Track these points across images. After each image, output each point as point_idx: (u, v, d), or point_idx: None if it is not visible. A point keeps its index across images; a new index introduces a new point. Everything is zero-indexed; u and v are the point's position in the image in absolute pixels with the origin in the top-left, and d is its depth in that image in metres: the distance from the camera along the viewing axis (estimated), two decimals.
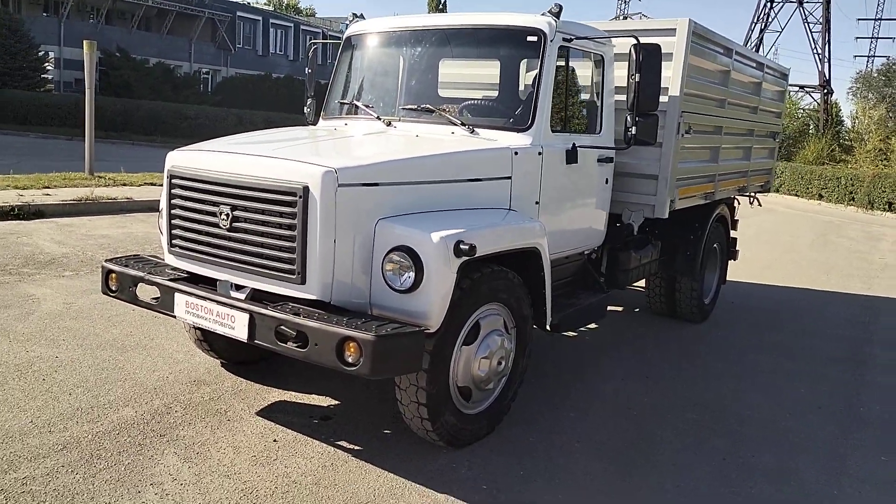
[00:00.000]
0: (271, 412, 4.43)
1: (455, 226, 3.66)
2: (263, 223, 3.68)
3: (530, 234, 4.23)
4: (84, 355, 5.08)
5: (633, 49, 4.49)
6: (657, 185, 5.62)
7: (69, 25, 37.63)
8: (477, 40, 4.89)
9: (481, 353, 3.99)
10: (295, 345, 3.49)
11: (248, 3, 53.17)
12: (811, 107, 43.26)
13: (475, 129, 4.51)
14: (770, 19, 45.75)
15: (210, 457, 3.80)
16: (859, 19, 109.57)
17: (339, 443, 4.09)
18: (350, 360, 3.33)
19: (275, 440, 4.06)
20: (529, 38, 4.55)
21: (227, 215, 3.76)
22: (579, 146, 4.75)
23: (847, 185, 25.78)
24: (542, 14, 4.59)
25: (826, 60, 41.81)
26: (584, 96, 5.19)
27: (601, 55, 5.01)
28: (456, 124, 4.55)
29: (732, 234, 8.37)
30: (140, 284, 4.15)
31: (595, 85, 5.09)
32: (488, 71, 5.44)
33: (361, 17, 5.40)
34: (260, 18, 49.58)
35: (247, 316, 3.61)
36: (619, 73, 5.49)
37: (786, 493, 3.98)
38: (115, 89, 33.89)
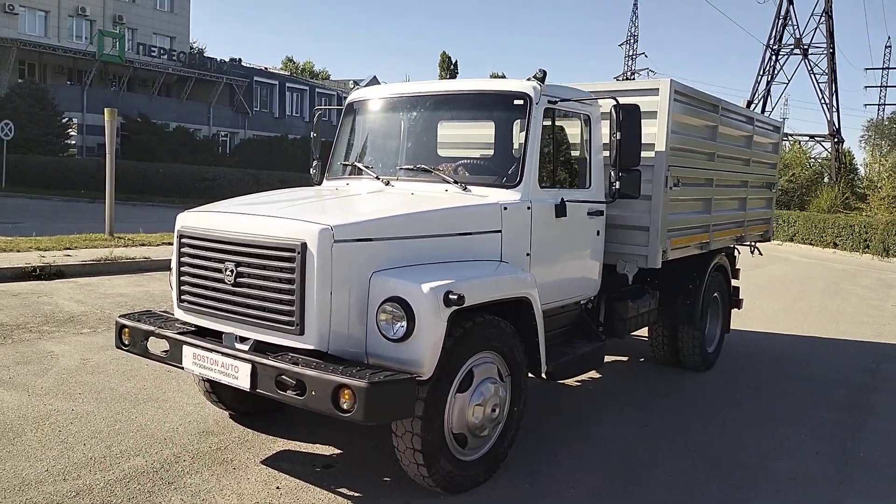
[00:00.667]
0: (275, 461, 4.59)
1: (445, 277, 3.89)
2: (265, 278, 3.93)
3: (520, 284, 4.44)
4: (99, 408, 5.29)
5: (613, 109, 4.77)
6: (649, 236, 5.83)
7: (92, 93, 39.13)
8: (469, 105, 5.22)
9: (475, 400, 4.15)
10: (294, 393, 3.69)
11: (265, 69, 54.99)
12: (822, 156, 43.54)
13: (468, 186, 4.78)
14: (776, 71, 46.50)
15: (214, 503, 3.96)
16: (867, 69, 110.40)
17: (339, 489, 4.23)
18: (345, 406, 3.52)
19: (277, 487, 4.21)
20: (516, 102, 4.86)
21: (232, 271, 4.02)
22: (568, 200, 5.00)
23: (861, 233, 25.79)
24: (528, 79, 4.89)
25: (835, 110, 42.30)
26: (575, 153, 5.47)
27: (588, 115, 5.30)
28: (449, 182, 4.82)
29: (734, 283, 8.53)
30: (151, 338, 4.39)
31: (584, 142, 5.36)
32: (484, 132, 5.75)
33: (357, 84, 5.75)
34: (276, 83, 51.22)
35: (249, 366, 3.83)
36: (606, 131, 5.82)
37: None
38: (136, 153, 35.01)
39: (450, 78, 61.28)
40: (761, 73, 46.29)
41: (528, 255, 4.78)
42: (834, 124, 42.09)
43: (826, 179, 39.68)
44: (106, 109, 14.49)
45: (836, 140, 41.80)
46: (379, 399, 3.50)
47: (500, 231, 4.56)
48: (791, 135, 43.00)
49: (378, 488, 4.28)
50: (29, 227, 14.67)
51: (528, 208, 4.74)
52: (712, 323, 7.84)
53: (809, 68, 43.66)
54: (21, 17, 41.23)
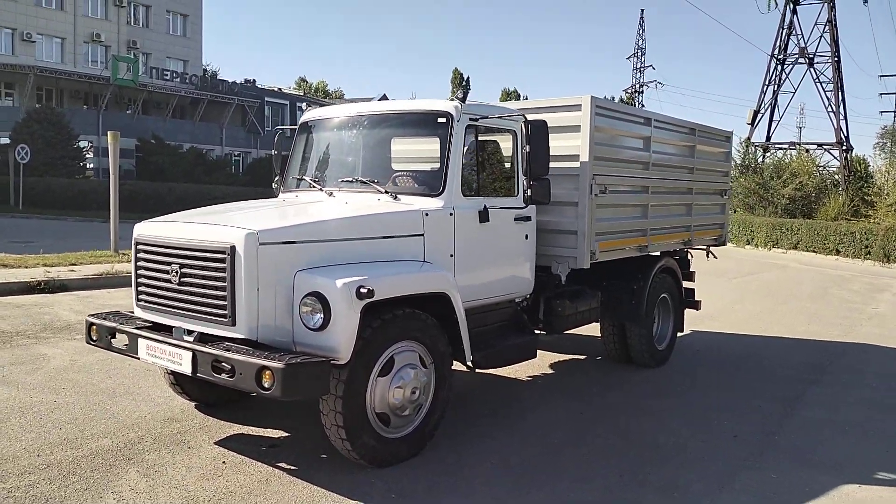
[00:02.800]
0: (227, 442, 5.16)
1: (360, 274, 4.45)
2: (203, 277, 4.53)
3: (436, 281, 5.00)
4: (79, 400, 5.90)
5: (522, 125, 5.33)
6: (577, 239, 6.36)
7: (107, 116, 40.32)
8: (400, 123, 5.82)
9: (395, 383, 4.70)
10: (227, 375, 4.27)
11: (278, 89, 56.16)
12: (830, 164, 43.60)
13: (398, 195, 5.35)
14: (782, 80, 46.73)
15: (165, 474, 4.54)
16: (882, 76, 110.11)
17: (279, 464, 4.79)
18: (266, 385, 4.09)
19: (224, 462, 4.78)
20: (440, 120, 5.43)
21: (177, 272, 4.62)
22: (492, 207, 5.55)
23: (862, 240, 25.94)
24: (451, 99, 5.47)
25: (842, 117, 42.39)
26: (509, 165, 6.02)
27: (514, 130, 5.85)
28: (382, 192, 5.40)
29: (688, 285, 9.00)
30: (117, 334, 5.00)
31: (512, 156, 5.92)
32: (431, 146, 6.32)
33: (310, 105, 6.37)
34: (287, 103, 52.28)
35: (190, 354, 4.42)
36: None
37: (664, 502, 4.53)
38: (150, 174, 36.03)
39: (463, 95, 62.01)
40: (767, 82, 46.58)
41: (451, 256, 5.33)
42: (842, 132, 42.19)
43: (834, 187, 39.77)
44: (109, 133, 15.29)
45: (844, 148, 41.89)
46: (294, 378, 4.07)
47: (422, 234, 5.12)
48: (797, 144, 43.20)
49: (313, 462, 4.82)
50: (41, 246, 15.45)
51: (451, 214, 5.30)
52: (664, 322, 8.32)
53: (815, 77, 43.82)
54: (38, 44, 42.71)
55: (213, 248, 4.45)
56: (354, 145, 6.01)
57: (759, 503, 4.57)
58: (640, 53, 63.68)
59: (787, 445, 5.67)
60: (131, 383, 6.44)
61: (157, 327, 4.90)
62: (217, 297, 4.45)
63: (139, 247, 4.97)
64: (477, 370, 5.66)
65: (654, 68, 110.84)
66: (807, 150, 42.59)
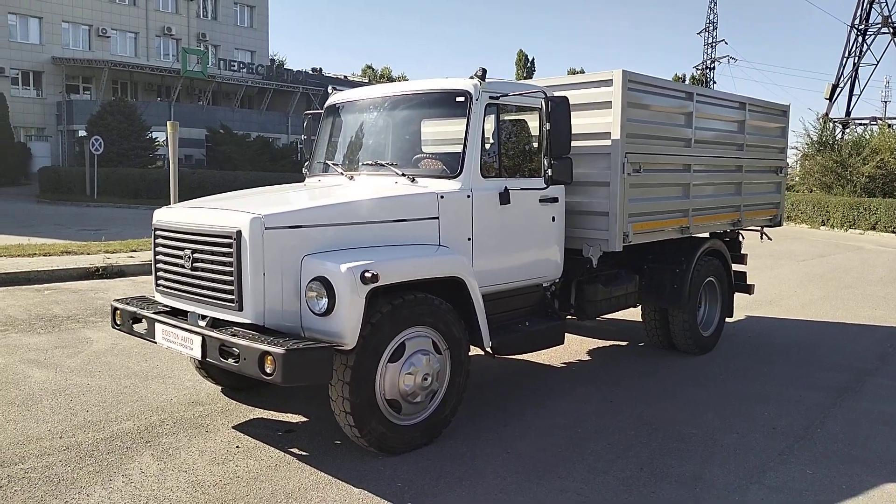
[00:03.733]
0: (246, 427, 5.19)
1: (368, 259, 4.36)
2: (212, 262, 4.53)
3: (449, 265, 4.86)
4: (111, 383, 6.05)
5: (542, 102, 5.09)
6: (608, 220, 6.09)
7: (179, 107, 41.61)
8: (418, 104, 5.65)
9: (406, 369, 4.61)
10: (232, 360, 4.26)
11: (344, 77, 56.76)
12: None
13: (416, 178, 5.23)
14: (863, 51, 44.22)
15: (178, 457, 4.59)
16: None
17: (290, 449, 4.78)
18: (268, 370, 4.06)
19: (238, 446, 4.80)
20: (458, 99, 5.26)
21: (189, 258, 4.64)
22: (513, 189, 5.35)
23: None
24: (471, 77, 5.29)
25: None
26: (536, 145, 5.79)
27: (539, 107, 5.62)
28: (399, 175, 5.28)
29: (741, 267, 8.57)
30: (138, 318, 5.08)
31: (539, 134, 5.69)
32: (457, 127, 6.16)
33: (336, 89, 6.30)
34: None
35: (200, 339, 4.44)
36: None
37: (687, 498, 4.29)
38: (218, 162, 37.06)
39: (526, 76, 61.43)
40: (846, 54, 44.18)
41: (469, 239, 5.17)
42: None
43: None
44: (168, 123, 15.64)
45: None
46: (295, 364, 4.02)
47: (437, 218, 4.99)
48: (880, 119, 40.80)
49: (326, 448, 4.79)
50: (110, 234, 16.09)
51: (468, 196, 5.14)
52: (710, 307, 7.95)
53: None
54: (112, 39, 44.44)
55: (221, 234, 4.44)
56: (375, 128, 5.91)
57: (789, 501, 4.27)
58: (711, 28, 61.31)
59: (828, 439, 5.30)
60: (165, 367, 6.57)
61: (175, 312, 4.95)
62: (225, 282, 4.44)
63: (157, 232, 5.02)
64: (497, 356, 5.49)
65: (726, 43, 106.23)
66: (889, 126, 40.20)
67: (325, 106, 6.30)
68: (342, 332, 4.24)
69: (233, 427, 5.16)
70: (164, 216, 5.00)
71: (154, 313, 4.92)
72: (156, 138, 37.28)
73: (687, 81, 55.97)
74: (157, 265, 5.03)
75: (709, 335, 7.81)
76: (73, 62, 41.25)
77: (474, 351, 5.21)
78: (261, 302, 4.34)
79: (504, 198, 5.32)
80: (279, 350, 4.00)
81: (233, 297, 4.39)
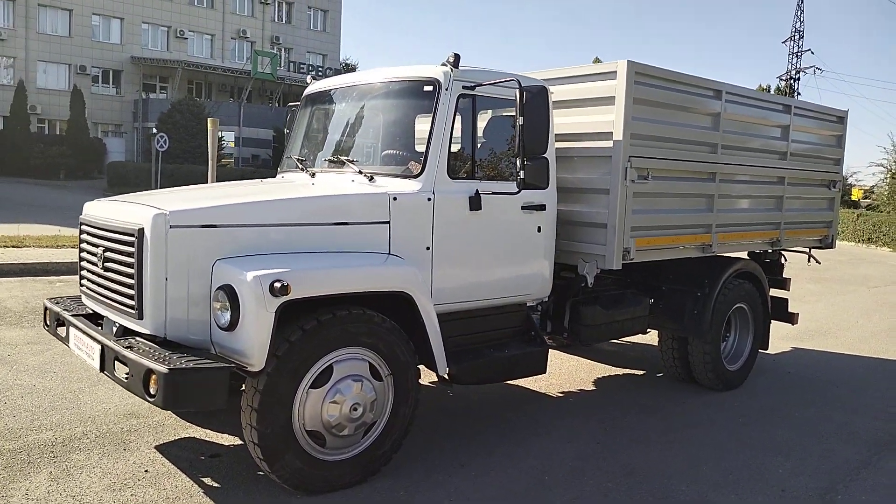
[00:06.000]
0: (170, 447, 4.66)
1: (286, 266, 3.75)
2: (117, 262, 4.02)
3: (391, 278, 4.20)
4: (58, 386, 5.66)
5: (517, 92, 4.37)
6: (606, 234, 5.30)
7: (248, 108, 42.30)
8: (385, 94, 5.01)
9: (331, 397, 3.97)
10: (125, 376, 3.73)
11: None
12: None
13: (374, 176, 4.60)
14: None
15: (75, 479, 4.09)
16: None
17: (203, 479, 4.21)
18: (152, 391, 3.50)
19: (146, 471, 4.27)
20: (426, 88, 4.61)
21: (101, 257, 4.15)
22: (486, 193, 4.66)
23: None
24: (442, 64, 4.63)
25: None
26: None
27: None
28: (356, 173, 4.66)
29: (781, 293, 7.57)
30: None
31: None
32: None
33: (316, 77, 5.74)
34: None
35: (99, 348, 3.93)
36: (563, 121, 5.39)
37: None
38: None
39: None
40: None
41: (428, 249, 4.50)
42: None
43: None
44: (209, 120, 15.54)
45: None
46: (180, 386, 3.46)
47: (387, 222, 4.34)
48: None
49: (244, 480, 4.21)
50: None
51: (429, 200, 4.47)
52: (740, 338, 7.01)
53: None
54: (189, 40, 45.62)
55: (124, 231, 3.94)
56: (341, 120, 5.31)
57: None
58: (797, 36, 58.21)
59: None
60: None
61: (98, 316, 4.47)
62: (126, 286, 3.93)
63: (81, 227, 4.57)
64: (457, 384, 4.79)
65: (812, 53, 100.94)
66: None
67: (303, 96, 5.75)
68: (247, 350, 3.65)
69: (155, 447, 4.65)
70: (90, 209, 4.54)
71: (73, 316, 4.46)
72: (222, 137, 37.94)
73: (772, 92, 53.33)
74: (81, 263, 4.58)
75: (736, 369, 6.86)
76: (151, 62, 42.54)
77: None
78: (162, 310, 3.79)
79: (475, 203, 4.63)
80: (162, 368, 3.44)
81: (133, 302, 3.86)
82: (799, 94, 57.33)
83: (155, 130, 35.11)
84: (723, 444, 5.33)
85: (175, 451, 4.58)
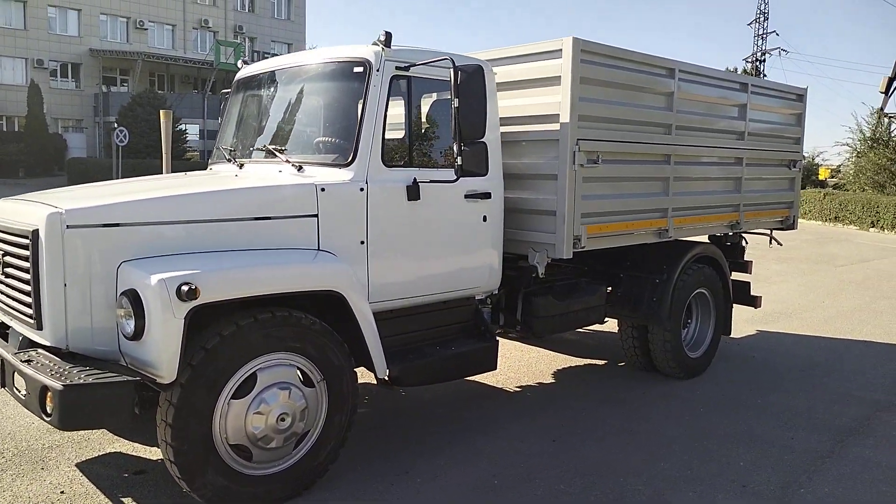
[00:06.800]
0: (92, 464, 4.34)
1: (195, 267, 3.43)
2: (14, 267, 3.68)
3: (319, 276, 3.90)
4: None
5: (451, 73, 4.07)
6: (555, 221, 5.04)
7: (212, 100, 41.38)
8: (317, 77, 4.68)
9: (255, 408, 3.67)
10: (22, 393, 3.40)
11: None
12: None
13: (303, 166, 4.28)
14: None
15: None
16: None
17: (123, 499, 3.90)
18: (49, 409, 3.19)
19: (62, 492, 3.95)
20: (356, 70, 4.29)
21: (0, 262, 3.79)
22: (425, 181, 4.36)
23: None
24: (373, 43, 4.31)
25: None
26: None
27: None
28: (284, 162, 4.34)
29: (744, 277, 7.40)
30: None
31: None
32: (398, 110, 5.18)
33: (246, 62, 5.39)
34: None
35: None
36: (508, 103, 5.12)
37: None
38: None
39: None
40: None
41: (362, 243, 4.21)
42: None
43: None
44: (161, 112, 14.99)
45: None
46: (77, 404, 3.15)
47: (315, 216, 4.03)
48: None
49: (165, 500, 3.90)
50: None
51: (362, 190, 4.17)
52: (701, 324, 6.83)
53: None
54: (150, 31, 44.50)
55: (18, 232, 3.61)
56: (271, 107, 4.98)
57: None
58: (762, 18, 58.43)
59: (811, 501, 4.18)
60: None
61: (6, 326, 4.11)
62: (24, 293, 3.59)
63: None
64: (399, 386, 4.51)
65: (777, 34, 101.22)
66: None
67: (234, 81, 5.40)
68: (155, 360, 3.33)
69: (76, 464, 4.32)
70: None
71: None
72: (185, 130, 37.19)
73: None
74: None
75: (698, 356, 6.67)
76: (110, 54, 41.43)
77: None
78: (61, 319, 3.45)
79: (413, 192, 4.34)
80: (57, 385, 3.12)
81: (31, 311, 3.52)
82: (765, 75, 57.65)
83: (116, 125, 34.28)
84: (682, 436, 5.12)
85: (97, 469, 4.26)
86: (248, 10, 49.96)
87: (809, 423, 5.48)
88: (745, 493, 4.27)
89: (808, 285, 12.37)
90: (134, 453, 4.52)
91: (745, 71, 59.30)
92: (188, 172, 5.15)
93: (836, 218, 27.10)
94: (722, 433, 5.21)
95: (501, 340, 7.16)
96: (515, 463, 4.57)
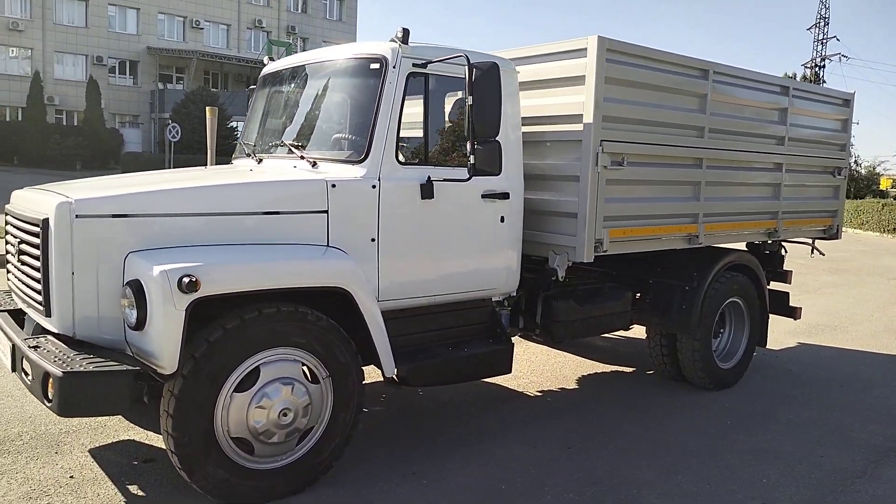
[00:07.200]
0: (105, 450, 4.39)
1: (200, 260, 3.44)
2: (28, 255, 3.75)
3: (327, 272, 3.86)
4: (7, 385, 5.41)
5: (465, 70, 4.00)
6: (576, 224, 4.92)
7: None
8: (334, 73, 4.66)
9: (257, 401, 3.66)
10: (29, 378, 3.45)
11: None
12: None
13: (317, 162, 4.27)
14: None
15: None
16: None
17: (129, 486, 3.94)
18: (51, 395, 3.23)
19: (71, 476, 4.01)
20: (372, 66, 4.26)
21: (17, 249, 3.87)
22: (439, 179, 4.30)
23: None
24: (390, 40, 4.27)
25: None
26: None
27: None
28: (299, 158, 4.33)
29: (781, 286, 7.14)
30: None
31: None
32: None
33: (273, 58, 5.41)
34: None
35: (10, 346, 3.67)
36: (532, 103, 5.02)
37: None
38: None
39: None
40: None
41: (373, 241, 4.17)
42: None
43: None
44: (207, 108, 15.30)
45: None
46: (76, 391, 3.18)
47: (325, 212, 4.01)
48: None
49: (172, 489, 3.92)
50: None
51: (374, 187, 4.13)
52: (735, 334, 6.60)
53: None
54: (206, 31, 45.61)
55: (30, 221, 3.68)
56: (292, 102, 4.98)
57: None
58: (822, 23, 56.61)
59: None
60: None
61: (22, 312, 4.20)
62: (35, 280, 3.65)
63: (6, 217, 4.29)
64: (407, 386, 4.45)
65: (838, 39, 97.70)
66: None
67: (258, 78, 5.43)
68: (156, 351, 3.35)
69: (89, 450, 4.38)
70: (14, 199, 4.26)
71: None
72: (235, 128, 37.88)
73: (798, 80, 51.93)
74: (6, 256, 4.30)
75: (729, 367, 6.44)
76: (167, 52, 42.59)
77: None
78: (69, 307, 3.51)
79: (426, 190, 4.28)
80: (57, 371, 3.16)
81: (41, 298, 3.58)
82: (824, 81, 55.92)
83: (170, 121, 35.18)
84: (704, 449, 4.94)
85: (109, 455, 4.32)
86: (300, 10, 50.76)
87: (842, 441, 5.23)
88: None
89: (857, 297, 11.88)
90: (147, 441, 4.56)
91: (804, 77, 57.60)
92: (208, 167, 5.21)
93: (894, 230, 26.04)
94: (747, 448, 5.01)
95: (528, 344, 7.15)
96: (526, 469, 4.46)
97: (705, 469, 4.61)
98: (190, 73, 42.16)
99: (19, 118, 38.01)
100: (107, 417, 4.84)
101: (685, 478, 4.47)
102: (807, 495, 4.32)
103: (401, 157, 4.24)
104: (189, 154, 32.69)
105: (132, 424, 4.78)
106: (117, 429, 4.72)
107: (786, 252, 7.22)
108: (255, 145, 4.99)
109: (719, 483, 4.42)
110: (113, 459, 4.27)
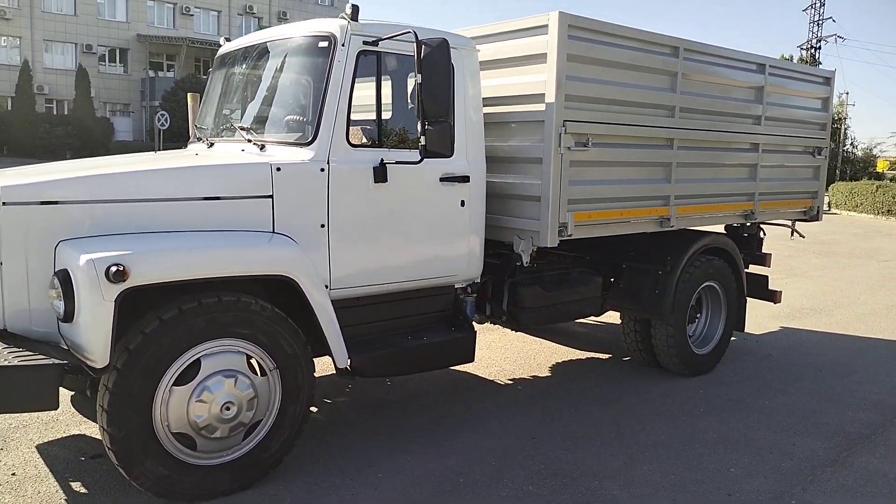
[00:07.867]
0: (53, 446, 4.27)
1: (131, 247, 3.30)
2: None
3: (267, 260, 3.72)
4: None
5: (415, 46, 3.83)
6: (539, 208, 4.77)
7: None
8: (282, 53, 4.48)
9: (197, 395, 3.53)
10: None
11: None
12: None
13: (265, 145, 4.11)
14: None
15: None
16: None
17: (73, 483, 3.82)
18: None
19: (13, 474, 3.89)
20: (321, 45, 4.09)
21: None
22: (392, 162, 4.14)
23: None
24: (340, 17, 4.10)
25: None
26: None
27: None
28: (247, 141, 4.18)
29: (760, 270, 7.01)
30: None
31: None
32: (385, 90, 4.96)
33: (228, 39, 5.24)
34: None
35: None
36: (494, 83, 4.86)
37: None
38: None
39: None
40: None
41: (323, 227, 4.02)
42: None
43: None
44: (189, 94, 15.11)
45: None
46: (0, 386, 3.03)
47: (270, 196, 3.85)
48: None
49: (115, 486, 3.79)
50: None
51: (323, 170, 3.97)
52: (711, 319, 6.47)
53: None
54: (196, 17, 45.13)
55: None
56: (243, 84, 4.82)
57: None
58: (818, 4, 56.06)
59: None
60: None
61: None
62: None
63: None
64: (361, 377, 4.32)
65: (833, 20, 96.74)
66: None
67: (215, 59, 5.26)
68: (86, 344, 3.22)
69: (36, 446, 4.26)
70: None
71: None
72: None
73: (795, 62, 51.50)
74: None
75: (706, 353, 6.32)
76: (157, 39, 42.19)
77: None
78: None
79: (380, 174, 4.12)
80: None
81: None
82: (820, 63, 55.49)
83: (160, 109, 34.89)
84: (673, 438, 4.82)
85: (55, 451, 4.20)
86: None
87: (816, 429, 5.11)
88: (731, 502, 3.96)
89: (846, 280, 11.76)
90: (96, 436, 4.43)
91: (801, 58, 57.20)
92: (157, 152, 5.05)
93: (888, 211, 25.89)
94: (717, 437, 4.89)
95: (504, 331, 7.02)
96: (486, 460, 4.34)
97: (672, 459, 4.49)
98: (180, 61, 41.80)
99: (8, 108, 37.65)
100: (59, 412, 4.70)
101: (650, 468, 4.35)
102: (774, 486, 4.20)
103: (352, 139, 4.08)
104: (180, 142, 32.41)
105: (84, 419, 4.64)
106: (68, 423, 4.59)
107: (764, 234, 7.08)
108: (208, 129, 4.82)
109: (684, 473, 4.30)
110: (60, 455, 4.15)
